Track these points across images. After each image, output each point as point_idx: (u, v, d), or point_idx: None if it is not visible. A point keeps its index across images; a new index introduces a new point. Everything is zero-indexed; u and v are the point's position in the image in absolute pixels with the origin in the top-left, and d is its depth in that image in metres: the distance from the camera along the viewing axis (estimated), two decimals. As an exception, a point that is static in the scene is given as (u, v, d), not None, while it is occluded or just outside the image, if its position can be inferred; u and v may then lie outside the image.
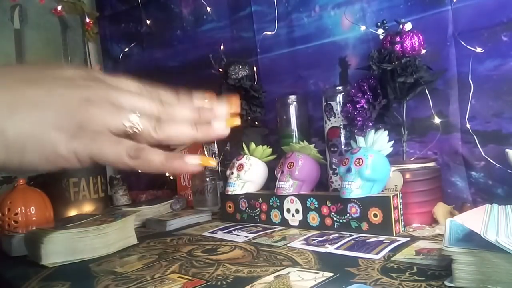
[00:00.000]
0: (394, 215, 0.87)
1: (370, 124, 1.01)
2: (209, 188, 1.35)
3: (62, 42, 1.80)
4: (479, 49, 0.98)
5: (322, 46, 1.27)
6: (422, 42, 0.95)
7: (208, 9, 1.54)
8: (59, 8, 1.76)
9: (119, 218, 1.00)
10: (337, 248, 0.80)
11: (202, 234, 1.04)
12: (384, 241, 0.82)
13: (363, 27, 1.15)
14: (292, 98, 1.26)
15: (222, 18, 1.52)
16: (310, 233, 0.95)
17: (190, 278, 0.70)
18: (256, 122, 1.35)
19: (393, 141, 0.94)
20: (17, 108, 0.37)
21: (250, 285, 0.64)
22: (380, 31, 1.00)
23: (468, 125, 1.00)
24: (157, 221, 1.19)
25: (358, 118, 1.01)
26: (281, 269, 0.70)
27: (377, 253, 0.75)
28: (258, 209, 1.10)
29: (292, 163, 1.04)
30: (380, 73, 0.98)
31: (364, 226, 0.90)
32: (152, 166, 0.40)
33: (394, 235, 0.87)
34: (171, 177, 1.67)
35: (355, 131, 1.04)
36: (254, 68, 1.32)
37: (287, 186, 1.03)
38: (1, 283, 0.83)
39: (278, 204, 1.06)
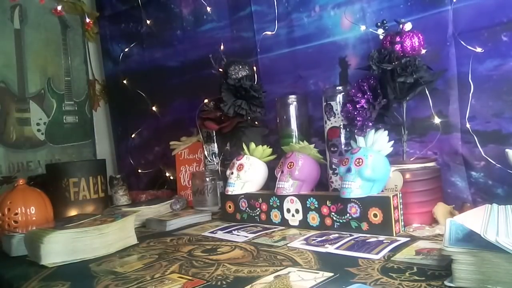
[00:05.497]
0: (394, 215, 0.87)
1: (370, 124, 1.01)
2: (209, 188, 1.35)
3: (62, 42, 1.80)
4: (479, 49, 0.98)
5: (322, 46, 1.27)
6: (422, 42, 0.95)
7: (208, 9, 1.54)
8: (59, 8, 1.76)
9: (119, 218, 1.00)
10: (337, 248, 0.80)
11: (202, 234, 1.04)
12: (384, 241, 0.82)
13: (363, 27, 1.15)
14: (292, 98, 1.26)
15: (222, 18, 1.52)
16: (310, 233, 0.95)
17: (190, 278, 0.70)
18: (256, 122, 1.35)
19: (393, 141, 0.94)
20: None
21: (250, 285, 0.64)
22: (380, 31, 1.00)
23: (468, 125, 1.00)
24: (157, 221, 1.19)
25: (358, 118, 1.01)
26: (281, 269, 0.70)
27: (377, 253, 0.75)
28: (258, 209, 1.10)
29: (292, 163, 1.04)
30: (380, 73, 0.98)
31: (364, 226, 0.90)
32: None
33: (394, 235, 0.87)
34: (171, 177, 1.67)
35: (355, 131, 1.04)
36: (254, 68, 1.32)
37: (287, 186, 1.03)
38: (1, 283, 0.83)
39: (278, 204, 1.06)
